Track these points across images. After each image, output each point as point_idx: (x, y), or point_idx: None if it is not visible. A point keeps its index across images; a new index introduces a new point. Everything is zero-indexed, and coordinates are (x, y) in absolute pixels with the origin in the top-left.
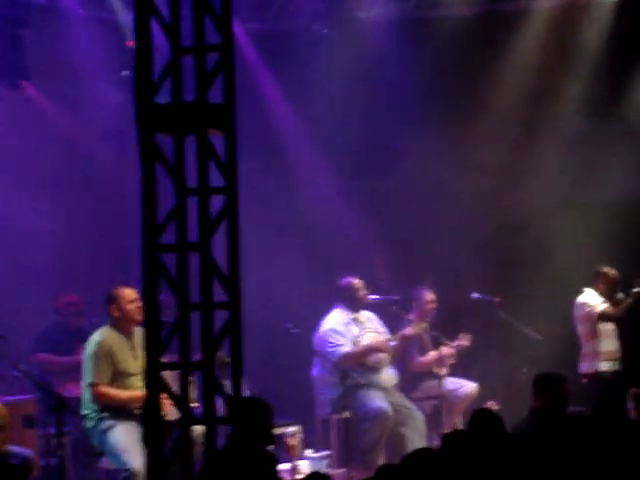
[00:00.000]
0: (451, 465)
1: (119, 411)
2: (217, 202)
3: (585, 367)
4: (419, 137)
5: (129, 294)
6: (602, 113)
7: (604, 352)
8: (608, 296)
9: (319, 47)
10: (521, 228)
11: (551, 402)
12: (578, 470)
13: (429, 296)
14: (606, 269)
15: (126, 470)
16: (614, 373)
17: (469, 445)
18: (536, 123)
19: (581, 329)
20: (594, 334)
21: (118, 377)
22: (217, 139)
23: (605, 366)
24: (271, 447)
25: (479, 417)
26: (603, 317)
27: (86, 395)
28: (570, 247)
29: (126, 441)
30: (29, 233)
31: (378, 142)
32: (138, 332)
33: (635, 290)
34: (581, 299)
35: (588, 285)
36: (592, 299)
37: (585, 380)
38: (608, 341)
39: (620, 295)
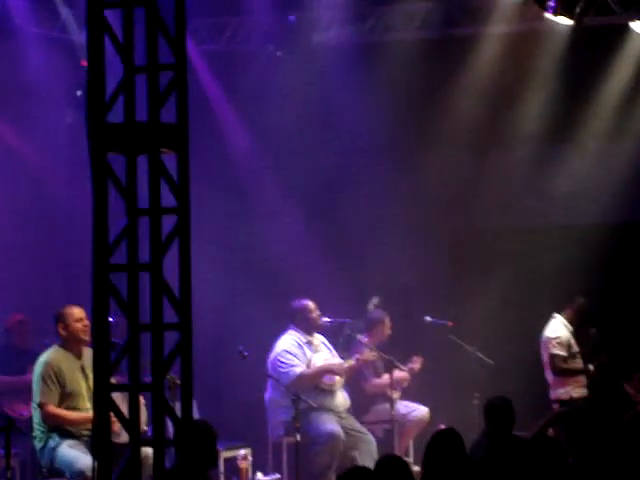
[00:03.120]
0: None
1: (67, 432)
2: (169, 223)
3: (556, 393)
4: (371, 161)
5: (75, 312)
6: (558, 137)
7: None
8: (577, 326)
9: (273, 69)
10: (473, 250)
11: (502, 424)
12: None
13: (387, 322)
14: (580, 301)
15: (79, 475)
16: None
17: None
18: (491, 148)
19: (545, 358)
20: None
21: (67, 397)
22: (169, 158)
23: (578, 392)
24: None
25: (440, 437)
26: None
27: (36, 416)
28: (525, 268)
29: (76, 451)
30: None
31: (330, 163)
32: (87, 352)
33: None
34: (548, 332)
35: (550, 308)
36: (558, 331)
37: (556, 406)
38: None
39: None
